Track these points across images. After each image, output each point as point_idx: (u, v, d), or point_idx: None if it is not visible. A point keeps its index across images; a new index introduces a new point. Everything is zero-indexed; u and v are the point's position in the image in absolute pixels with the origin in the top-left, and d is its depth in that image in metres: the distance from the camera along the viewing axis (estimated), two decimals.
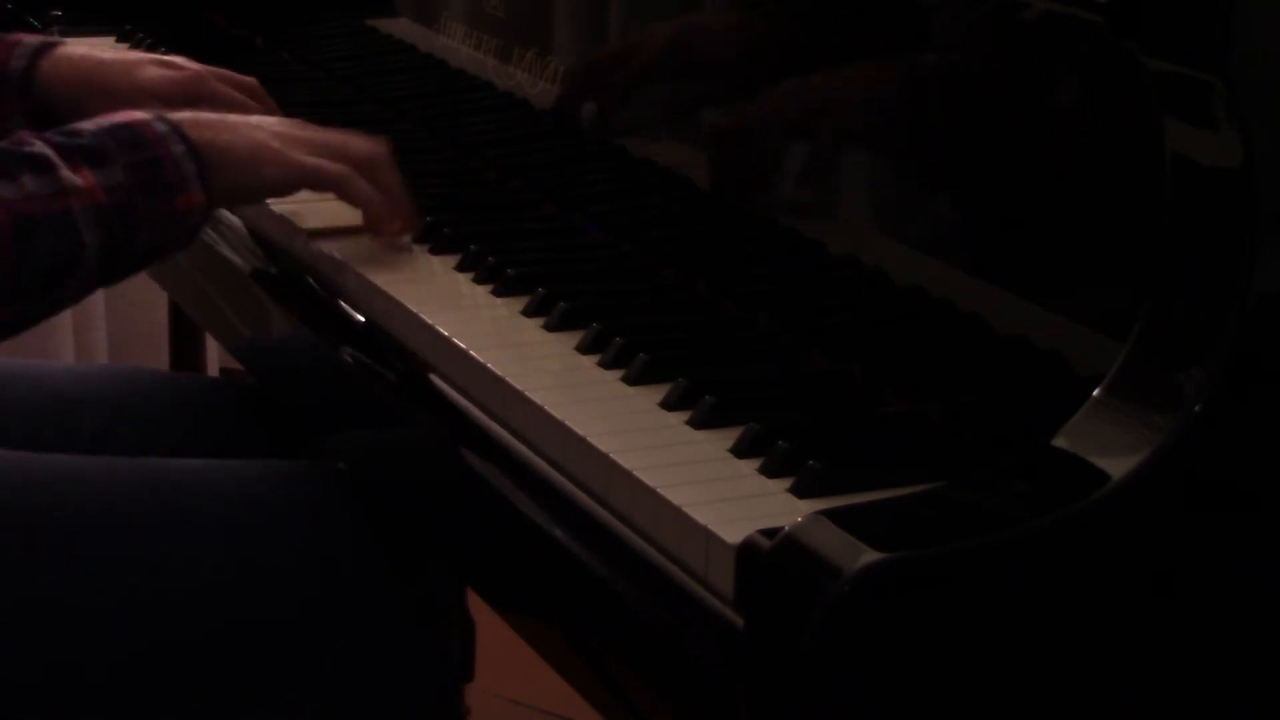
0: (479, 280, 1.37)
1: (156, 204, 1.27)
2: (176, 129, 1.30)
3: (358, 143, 1.40)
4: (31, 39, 1.60)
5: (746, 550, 0.96)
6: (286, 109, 1.63)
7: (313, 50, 1.97)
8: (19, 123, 1.58)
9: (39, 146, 1.24)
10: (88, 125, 1.28)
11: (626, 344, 1.21)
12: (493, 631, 1.40)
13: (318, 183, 1.37)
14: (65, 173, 1.23)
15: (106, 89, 1.56)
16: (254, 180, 1.34)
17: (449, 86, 1.71)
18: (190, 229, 1.31)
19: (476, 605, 1.37)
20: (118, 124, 1.29)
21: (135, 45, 2.04)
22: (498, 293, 1.34)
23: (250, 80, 1.61)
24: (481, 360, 1.21)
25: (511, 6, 1.61)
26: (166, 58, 1.62)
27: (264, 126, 1.36)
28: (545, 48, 1.56)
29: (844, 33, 1.26)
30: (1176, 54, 0.96)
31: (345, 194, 1.38)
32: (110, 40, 2.08)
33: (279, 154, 1.34)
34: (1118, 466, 0.94)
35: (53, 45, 1.59)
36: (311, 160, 1.36)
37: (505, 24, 1.62)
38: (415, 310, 1.30)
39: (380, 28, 1.87)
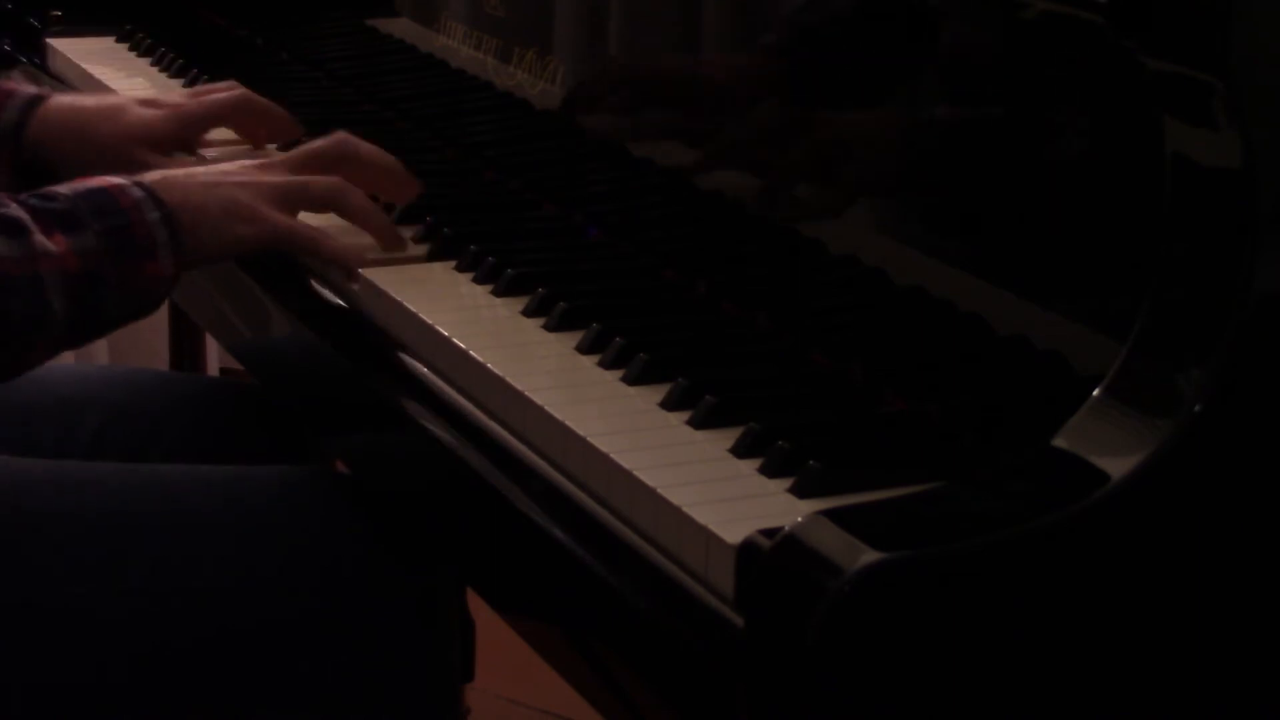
0: (479, 280, 1.37)
1: (127, 270, 1.26)
2: (151, 194, 1.29)
3: (320, 151, 1.40)
4: (24, 91, 1.60)
5: (747, 550, 0.96)
6: (287, 109, 1.64)
7: (313, 50, 1.97)
8: (5, 177, 1.59)
9: (13, 209, 1.24)
10: (63, 189, 1.28)
11: (626, 344, 1.21)
12: (493, 631, 1.40)
13: (293, 246, 1.37)
14: (38, 237, 1.22)
15: (93, 139, 1.57)
16: (227, 239, 1.32)
17: (449, 86, 1.71)
18: (158, 297, 1.30)
19: (476, 605, 1.37)
20: (93, 189, 1.28)
21: (135, 45, 2.04)
22: (498, 293, 1.34)
23: (229, 83, 1.61)
24: (481, 360, 1.21)
25: (511, 6, 1.61)
26: (148, 97, 1.63)
27: (232, 177, 1.35)
28: (545, 48, 1.56)
29: (844, 32, 1.26)
30: (1176, 54, 0.96)
31: (314, 250, 1.37)
32: (110, 40, 2.08)
33: (252, 211, 1.33)
34: (1118, 466, 0.94)
35: (43, 98, 1.59)
36: (285, 223, 1.35)
37: (505, 24, 1.62)
38: (415, 310, 1.30)
39: (380, 28, 1.87)
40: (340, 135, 1.43)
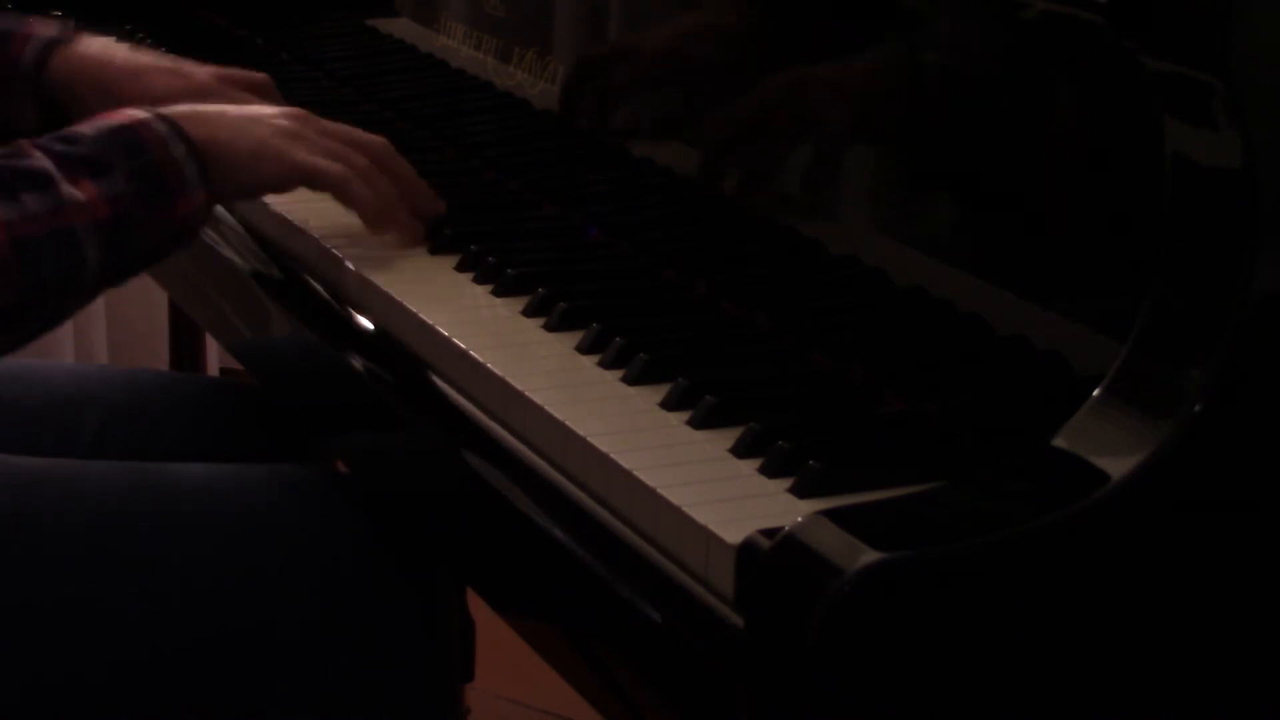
0: (479, 280, 1.37)
1: (157, 210, 1.26)
2: (177, 129, 1.29)
3: (363, 138, 1.39)
4: (45, 30, 1.59)
5: (747, 550, 0.96)
6: None
7: (313, 50, 1.97)
8: (31, 114, 1.58)
9: (38, 159, 1.23)
10: (86, 130, 1.28)
11: (626, 344, 1.21)
12: (493, 631, 1.40)
13: (316, 182, 1.37)
14: (66, 188, 1.22)
15: (114, 95, 1.55)
16: (254, 178, 1.34)
17: (449, 86, 1.71)
18: (191, 230, 1.30)
19: (476, 605, 1.37)
20: (117, 126, 1.28)
21: (135, 45, 2.04)
22: (498, 293, 1.34)
23: (262, 77, 1.60)
24: (481, 360, 1.21)
25: (511, 6, 1.61)
26: (176, 66, 1.61)
27: (264, 120, 1.35)
28: (545, 48, 1.56)
29: (844, 32, 1.26)
30: (1176, 54, 0.96)
31: (342, 196, 1.37)
32: (110, 40, 2.07)
33: (280, 151, 1.34)
34: (1118, 466, 0.94)
35: (65, 40, 1.58)
36: (311, 160, 1.35)
37: (505, 24, 1.62)
38: (415, 310, 1.30)
39: (380, 28, 1.87)
40: (382, 143, 1.41)
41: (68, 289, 1.24)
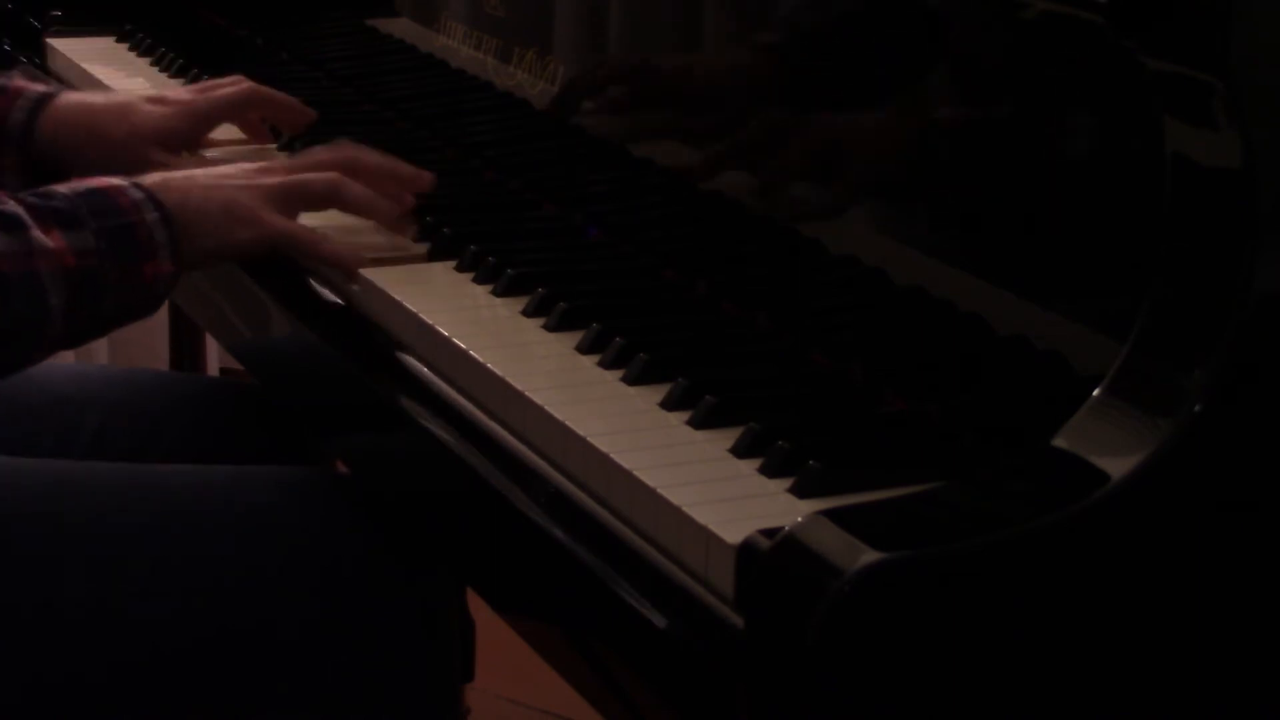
0: (479, 280, 1.37)
1: (126, 271, 1.26)
2: (150, 195, 1.29)
3: (325, 158, 1.40)
4: (33, 90, 1.60)
5: (746, 550, 0.96)
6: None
7: (313, 50, 1.97)
8: (12, 176, 1.59)
9: (10, 206, 1.24)
10: (62, 188, 1.28)
11: (626, 344, 1.21)
12: (493, 631, 1.40)
13: (291, 248, 1.37)
14: (36, 233, 1.22)
15: (103, 137, 1.57)
16: (226, 242, 1.33)
17: (449, 86, 1.71)
18: (157, 297, 1.30)
19: (476, 605, 1.37)
20: (92, 189, 1.28)
21: (135, 45, 2.04)
22: (498, 293, 1.34)
23: (234, 78, 1.62)
24: (481, 360, 1.21)
25: (511, 6, 1.61)
26: (157, 95, 1.63)
27: (231, 180, 1.35)
28: (545, 48, 1.56)
29: (844, 33, 1.26)
30: (1176, 54, 0.96)
31: (313, 253, 1.37)
32: (110, 40, 2.08)
33: (251, 214, 1.34)
34: (1118, 466, 0.94)
35: (52, 96, 1.59)
36: (284, 226, 1.35)
37: (505, 24, 1.62)
38: (415, 310, 1.30)
39: (380, 28, 1.87)
40: (345, 148, 1.42)
41: (28, 333, 1.23)
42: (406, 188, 1.43)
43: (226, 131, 1.66)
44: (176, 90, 1.63)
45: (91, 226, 1.25)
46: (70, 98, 1.61)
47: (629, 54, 1.49)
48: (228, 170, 1.38)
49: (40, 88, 1.62)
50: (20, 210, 1.23)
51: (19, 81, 1.62)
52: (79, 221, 1.25)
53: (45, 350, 1.27)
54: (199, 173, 1.36)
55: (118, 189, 1.28)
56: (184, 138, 1.59)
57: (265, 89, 1.62)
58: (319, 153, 1.42)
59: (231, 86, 1.61)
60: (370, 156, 1.42)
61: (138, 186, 1.29)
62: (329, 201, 1.39)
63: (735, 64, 1.37)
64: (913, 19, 1.19)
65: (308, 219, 1.40)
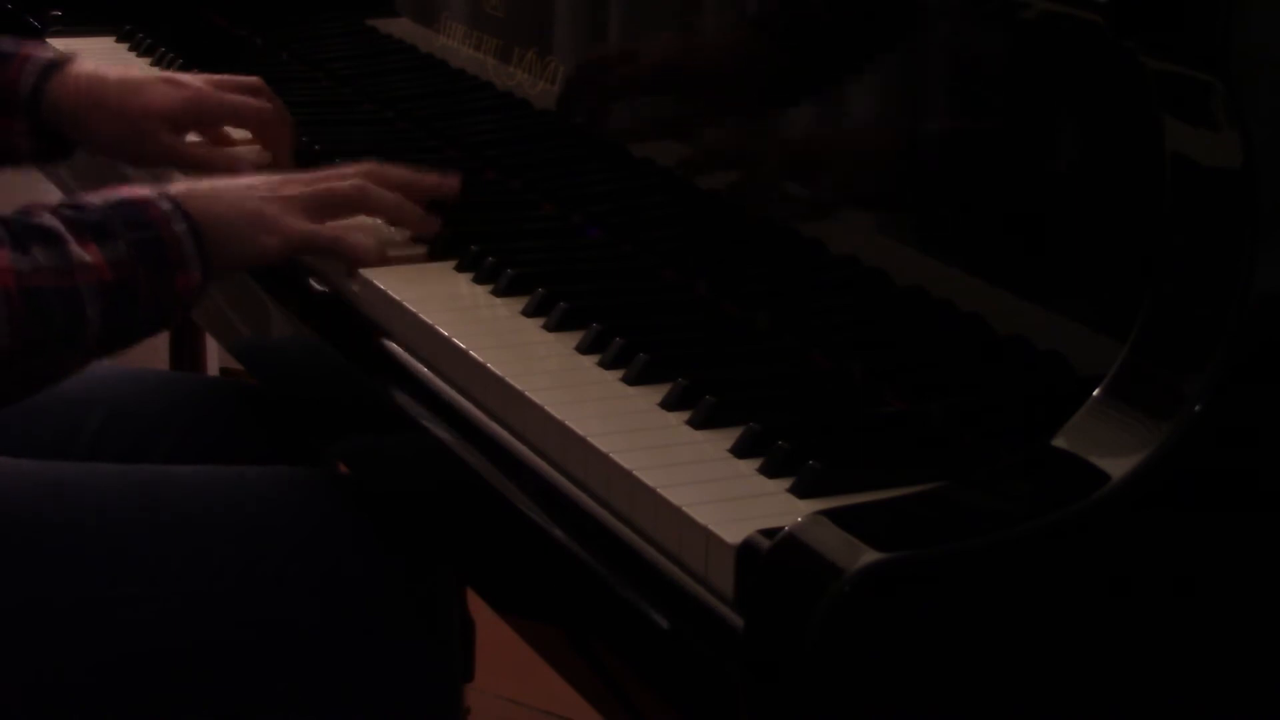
0: (479, 280, 1.37)
1: (158, 283, 1.27)
2: (179, 206, 1.30)
3: (343, 182, 1.40)
4: (41, 55, 1.60)
5: (746, 550, 0.96)
6: (287, 109, 1.63)
7: (313, 50, 1.97)
8: (25, 141, 1.59)
9: (48, 219, 1.24)
10: (94, 199, 1.29)
11: (626, 344, 1.21)
12: (493, 631, 1.40)
13: (314, 249, 1.37)
14: (74, 248, 1.23)
15: (113, 109, 1.56)
16: (251, 251, 1.34)
17: (449, 86, 1.71)
18: (186, 307, 1.31)
19: (476, 605, 1.37)
20: (123, 200, 1.29)
21: (135, 45, 2.04)
22: (498, 293, 1.34)
23: (254, 80, 1.61)
24: (481, 360, 1.21)
25: (511, 6, 1.61)
26: (171, 76, 1.63)
27: (256, 190, 1.36)
28: (545, 48, 1.56)
29: (844, 33, 1.26)
30: (1176, 54, 0.96)
31: (336, 249, 1.38)
32: (110, 40, 2.08)
33: (275, 221, 1.34)
34: (1118, 466, 0.94)
35: (61, 63, 1.59)
36: (307, 228, 1.36)
37: (505, 24, 1.62)
38: (415, 311, 1.30)
39: (380, 28, 1.87)
40: (368, 162, 1.42)
41: (66, 344, 1.24)
42: (432, 194, 1.43)
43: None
44: (192, 77, 1.62)
45: (125, 239, 1.26)
46: (83, 67, 1.60)
47: (628, 52, 1.48)
48: (253, 181, 1.39)
49: (49, 54, 1.61)
50: (58, 224, 1.24)
51: (29, 48, 1.61)
52: (113, 234, 1.26)
53: (81, 363, 1.28)
54: (224, 184, 1.37)
55: (148, 201, 1.29)
56: (191, 125, 1.60)
57: (277, 118, 1.60)
58: (337, 188, 1.42)
59: (250, 99, 1.60)
60: (393, 168, 1.42)
61: (166, 197, 1.30)
62: (356, 207, 1.39)
63: (735, 64, 1.37)
64: (912, 19, 1.19)
65: None
